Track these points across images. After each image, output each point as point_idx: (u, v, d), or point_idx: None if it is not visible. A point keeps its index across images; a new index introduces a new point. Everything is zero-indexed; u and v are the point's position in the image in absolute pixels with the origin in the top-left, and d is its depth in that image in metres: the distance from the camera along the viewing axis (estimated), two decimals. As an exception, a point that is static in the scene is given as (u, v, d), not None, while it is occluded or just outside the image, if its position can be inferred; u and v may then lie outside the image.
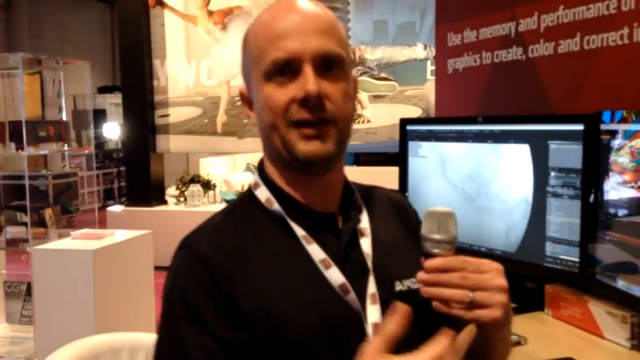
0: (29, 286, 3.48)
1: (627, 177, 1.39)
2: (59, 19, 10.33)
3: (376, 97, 4.88)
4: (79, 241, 3.28)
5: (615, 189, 1.42)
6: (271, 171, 0.99)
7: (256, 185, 1.00)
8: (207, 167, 6.73)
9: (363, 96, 4.93)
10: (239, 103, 5.48)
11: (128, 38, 6.00)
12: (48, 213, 3.83)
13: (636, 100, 1.63)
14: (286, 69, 0.91)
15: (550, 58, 1.94)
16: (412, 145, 2.02)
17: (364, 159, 7.48)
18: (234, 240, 0.94)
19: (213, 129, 5.87)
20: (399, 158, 2.08)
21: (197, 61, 5.85)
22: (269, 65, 0.92)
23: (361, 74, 4.92)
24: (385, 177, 2.74)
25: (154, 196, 6.08)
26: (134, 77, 6.00)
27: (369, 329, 0.90)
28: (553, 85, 1.95)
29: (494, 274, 0.85)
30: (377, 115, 4.85)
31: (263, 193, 0.98)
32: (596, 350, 1.42)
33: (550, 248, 1.60)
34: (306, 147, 0.91)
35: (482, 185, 1.79)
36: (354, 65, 4.94)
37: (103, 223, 5.36)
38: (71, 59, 4.80)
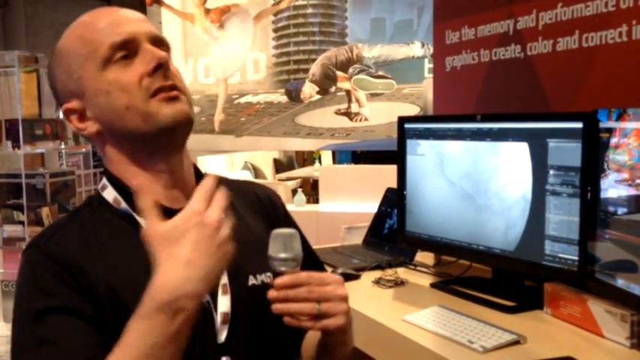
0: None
1: (625, 175, 1.38)
2: (56, 17, 10.29)
3: (373, 95, 4.87)
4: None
5: (614, 187, 1.42)
6: (118, 171, 1.00)
7: (103, 187, 1.01)
8: (205, 165, 6.72)
9: (360, 94, 4.92)
10: (237, 101, 5.47)
11: (125, 36, 5.96)
12: (45, 212, 3.82)
13: (635, 98, 1.63)
14: (127, 51, 0.95)
15: (548, 56, 1.94)
16: (410, 144, 2.01)
17: (372, 156, 7.39)
18: (82, 238, 0.95)
19: (211, 127, 5.84)
20: (397, 156, 2.07)
21: (194, 59, 5.82)
22: (107, 51, 0.94)
23: (358, 72, 4.91)
24: (384, 175, 2.74)
25: (151, 194, 6.04)
26: (131, 75, 5.97)
27: (218, 318, 0.96)
28: (552, 83, 1.95)
29: (336, 286, 0.93)
30: (374, 113, 4.83)
31: (110, 194, 1.00)
32: (595, 349, 1.41)
33: (549, 247, 1.59)
34: (170, 109, 0.94)
35: (481, 183, 1.78)
36: (352, 63, 4.93)
37: (100, 222, 5.34)
38: (68, 57, 4.77)
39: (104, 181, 1.02)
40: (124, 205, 0.98)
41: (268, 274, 1.00)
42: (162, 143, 0.97)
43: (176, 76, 0.98)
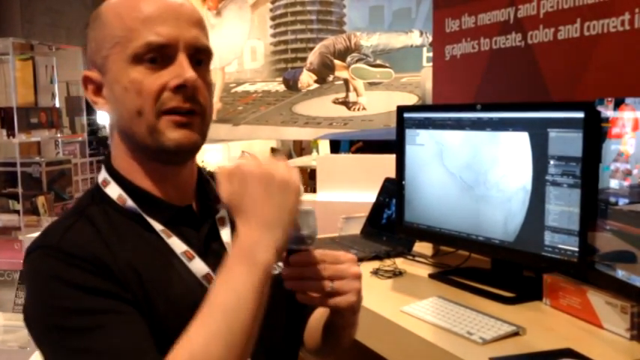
0: (22, 274, 3.45)
1: (627, 165, 1.37)
2: (51, 4, 10.23)
3: (371, 84, 4.84)
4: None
5: (615, 177, 1.40)
6: (122, 166, 0.96)
7: (105, 182, 0.97)
8: (202, 154, 6.70)
9: (358, 83, 4.89)
10: (234, 89, 5.43)
11: (121, 24, 5.91)
12: (40, 201, 3.79)
13: (637, 87, 1.61)
14: (160, 55, 0.89)
15: (550, 45, 1.92)
16: (409, 133, 1.99)
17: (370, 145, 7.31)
18: (95, 237, 0.89)
19: (208, 116, 5.83)
20: (395, 146, 2.05)
21: (191, 47, 5.78)
22: (141, 48, 0.89)
23: (356, 61, 4.88)
24: (383, 165, 2.71)
25: (148, 183, 6.02)
26: (127, 63, 5.93)
27: None
28: (553, 72, 1.93)
29: (349, 264, 0.93)
30: (372, 103, 4.81)
31: (114, 191, 0.95)
32: (595, 340, 1.40)
33: (549, 237, 1.58)
34: (176, 134, 0.90)
35: (481, 174, 1.76)
36: (350, 51, 4.89)
37: (96, 211, 5.31)
38: (64, 45, 4.74)
39: (106, 175, 0.97)
40: (129, 203, 0.94)
41: (274, 265, 0.98)
42: (162, 159, 0.94)
43: (202, 94, 0.92)
